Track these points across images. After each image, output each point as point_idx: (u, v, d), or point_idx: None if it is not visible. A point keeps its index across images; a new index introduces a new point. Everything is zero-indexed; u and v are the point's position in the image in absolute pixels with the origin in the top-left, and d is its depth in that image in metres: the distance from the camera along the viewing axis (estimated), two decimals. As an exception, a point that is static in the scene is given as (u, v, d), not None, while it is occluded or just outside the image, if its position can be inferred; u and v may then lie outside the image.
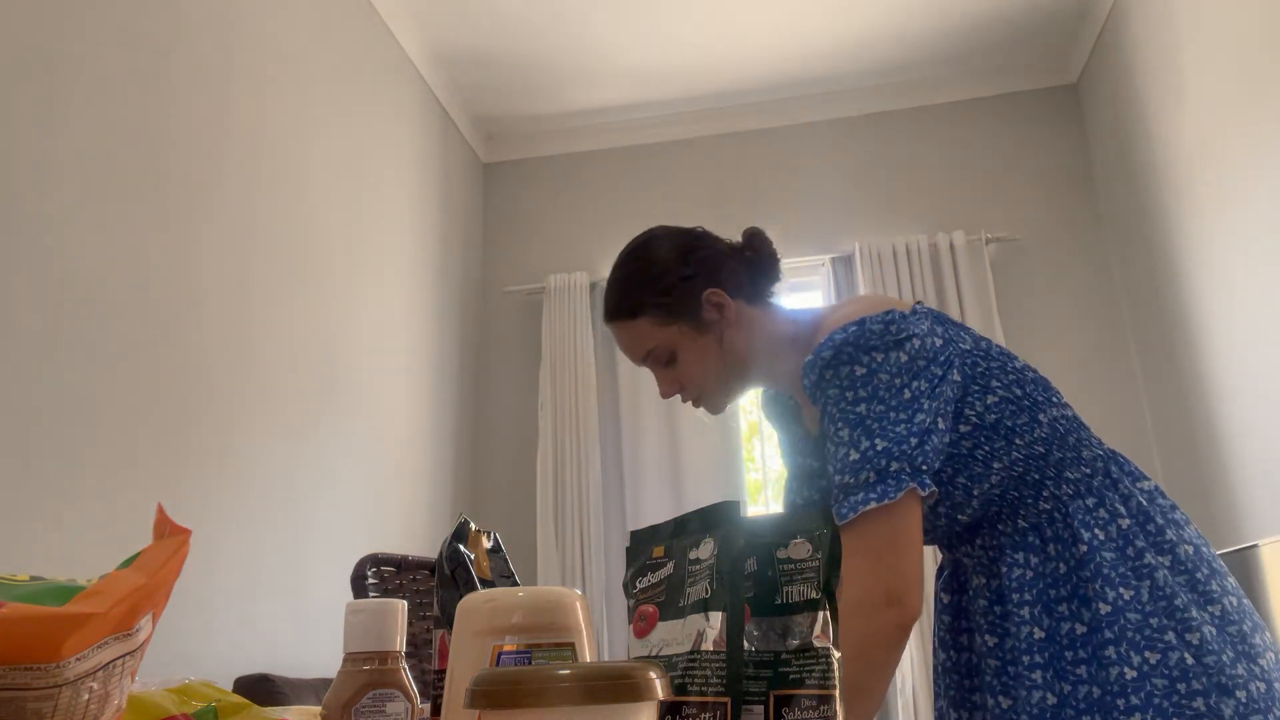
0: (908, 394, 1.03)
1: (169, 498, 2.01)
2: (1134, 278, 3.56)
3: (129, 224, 1.97)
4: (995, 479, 1.09)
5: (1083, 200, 3.82)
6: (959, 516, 1.12)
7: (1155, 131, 3.23)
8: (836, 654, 0.65)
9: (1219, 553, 2.30)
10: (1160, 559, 1.04)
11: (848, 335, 1.06)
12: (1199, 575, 1.03)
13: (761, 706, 0.64)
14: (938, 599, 1.21)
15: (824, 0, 3.46)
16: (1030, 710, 1.04)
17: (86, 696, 0.39)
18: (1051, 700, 1.02)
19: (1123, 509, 1.07)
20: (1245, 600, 1.05)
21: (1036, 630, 1.05)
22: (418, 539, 3.26)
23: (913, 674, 3.24)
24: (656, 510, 3.60)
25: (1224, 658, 0.98)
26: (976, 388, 1.09)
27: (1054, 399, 1.13)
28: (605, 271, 4.05)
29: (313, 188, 2.77)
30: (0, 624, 0.36)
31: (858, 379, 1.04)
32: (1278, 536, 2.10)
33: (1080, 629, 1.04)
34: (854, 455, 1.01)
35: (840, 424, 1.03)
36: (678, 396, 1.24)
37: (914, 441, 1.01)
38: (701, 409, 1.24)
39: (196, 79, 2.26)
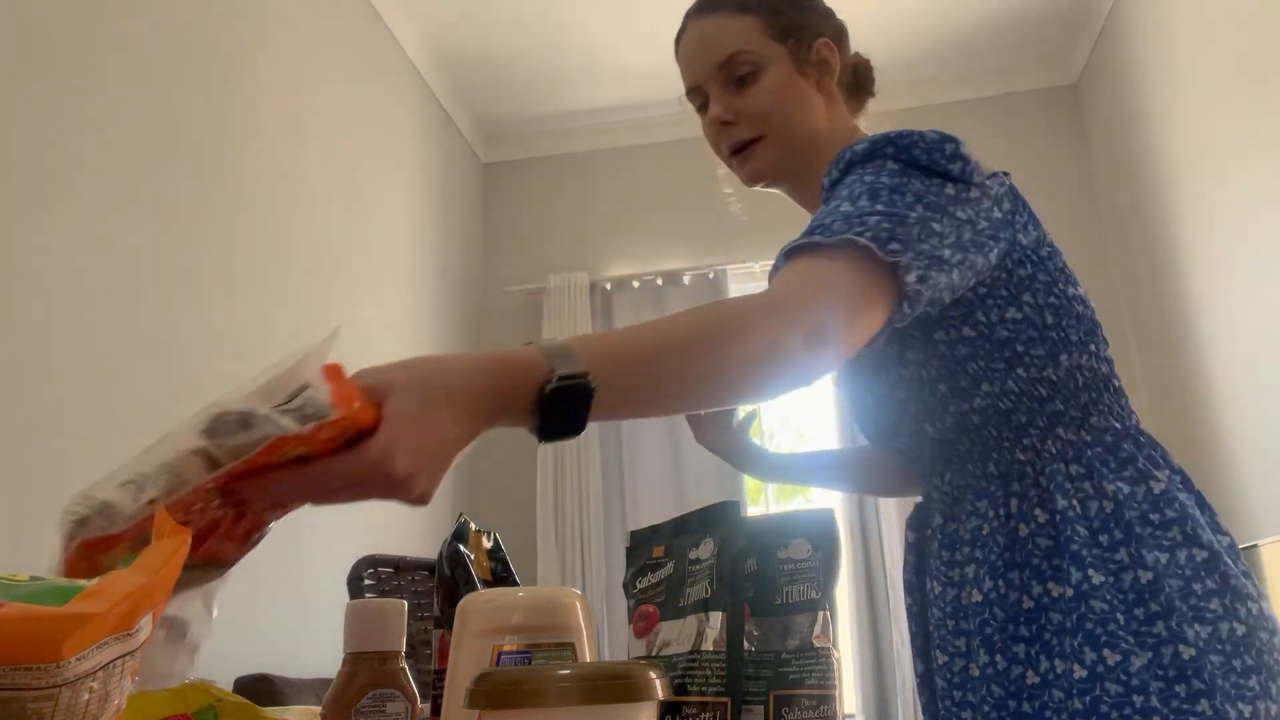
0: (929, 201, 0.84)
1: (169, 498, 2.01)
2: (1134, 278, 3.56)
3: (128, 224, 1.97)
4: (979, 403, 0.92)
5: (1083, 200, 3.82)
6: (926, 426, 0.96)
7: (1155, 131, 3.23)
8: (836, 654, 0.66)
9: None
10: (1158, 554, 0.85)
11: (892, 133, 0.88)
12: (1232, 572, 0.85)
13: (761, 706, 0.64)
14: (905, 536, 1.06)
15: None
16: (949, 678, 0.93)
17: (86, 696, 0.39)
18: (975, 672, 0.88)
19: (1123, 488, 0.88)
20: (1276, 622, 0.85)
21: (975, 592, 0.90)
22: (417, 539, 3.26)
23: (912, 675, 3.23)
24: (656, 510, 3.60)
25: (1203, 681, 0.79)
26: (1003, 293, 0.91)
27: (1091, 347, 0.94)
28: (605, 271, 4.05)
29: (313, 188, 2.77)
30: (0, 624, 0.36)
31: (886, 171, 0.85)
32: (1278, 536, 2.10)
33: (1028, 603, 0.88)
34: (845, 207, 0.81)
35: (844, 193, 0.84)
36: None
37: (931, 240, 0.80)
38: (734, 167, 1.04)
39: (197, 79, 2.26)
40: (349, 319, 2.94)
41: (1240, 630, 0.83)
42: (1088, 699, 0.81)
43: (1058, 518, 0.88)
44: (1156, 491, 0.89)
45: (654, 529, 0.77)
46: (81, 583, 0.42)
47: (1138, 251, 3.49)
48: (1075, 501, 0.88)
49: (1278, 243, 2.51)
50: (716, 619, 0.65)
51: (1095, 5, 3.56)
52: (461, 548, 0.87)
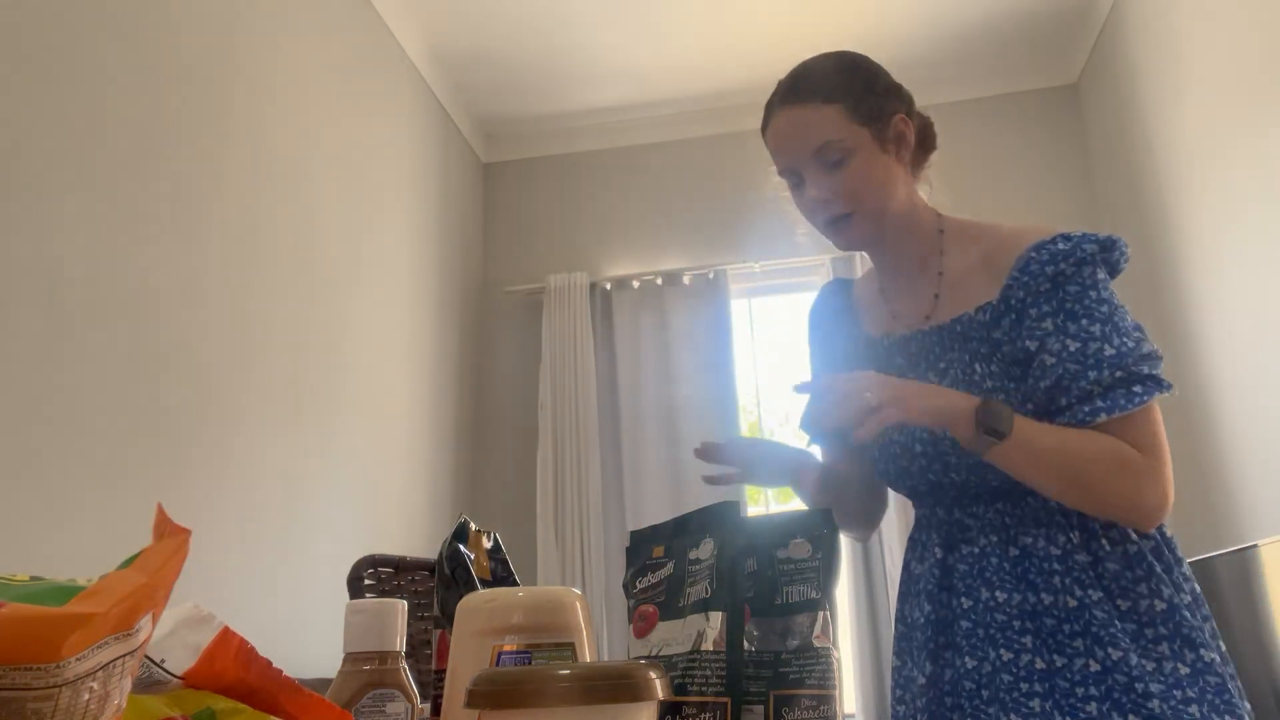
0: (1127, 308, 1.06)
1: (169, 498, 2.01)
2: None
3: (128, 223, 1.97)
4: None
5: (1083, 200, 3.82)
6: (988, 475, 1.09)
7: (1155, 131, 3.23)
8: (836, 654, 0.66)
9: (1218, 553, 2.30)
10: (1167, 590, 1.04)
11: (1101, 240, 1.07)
12: (1194, 619, 1.04)
13: (761, 706, 0.64)
14: (930, 552, 1.17)
15: (824, 0, 3.46)
16: (1018, 670, 1.03)
17: (86, 697, 0.39)
18: (1041, 665, 1.02)
19: (1134, 535, 1.07)
20: (1229, 661, 1.04)
21: (1069, 599, 1.04)
22: (417, 539, 3.26)
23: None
24: (656, 510, 3.59)
25: (1212, 686, 0.99)
26: None
27: None
28: (605, 271, 4.05)
29: (313, 188, 2.77)
30: (0, 624, 0.36)
31: (1100, 281, 1.06)
32: (1278, 536, 2.10)
33: (1127, 605, 1.03)
34: (1109, 350, 1.01)
35: (1084, 319, 1.03)
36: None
37: (1158, 352, 1.03)
38: (830, 235, 1.18)
39: (196, 80, 2.26)
40: (348, 318, 2.94)
41: (1216, 658, 1.04)
42: (1195, 688, 0.97)
43: (1134, 548, 1.04)
44: (1170, 536, 1.09)
45: (654, 529, 0.77)
46: (81, 582, 0.42)
47: (1137, 251, 3.49)
48: (1132, 533, 1.05)
49: (1277, 242, 2.51)
50: (716, 619, 0.65)
51: (1095, 5, 3.56)
52: (461, 548, 0.87)
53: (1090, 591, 1.03)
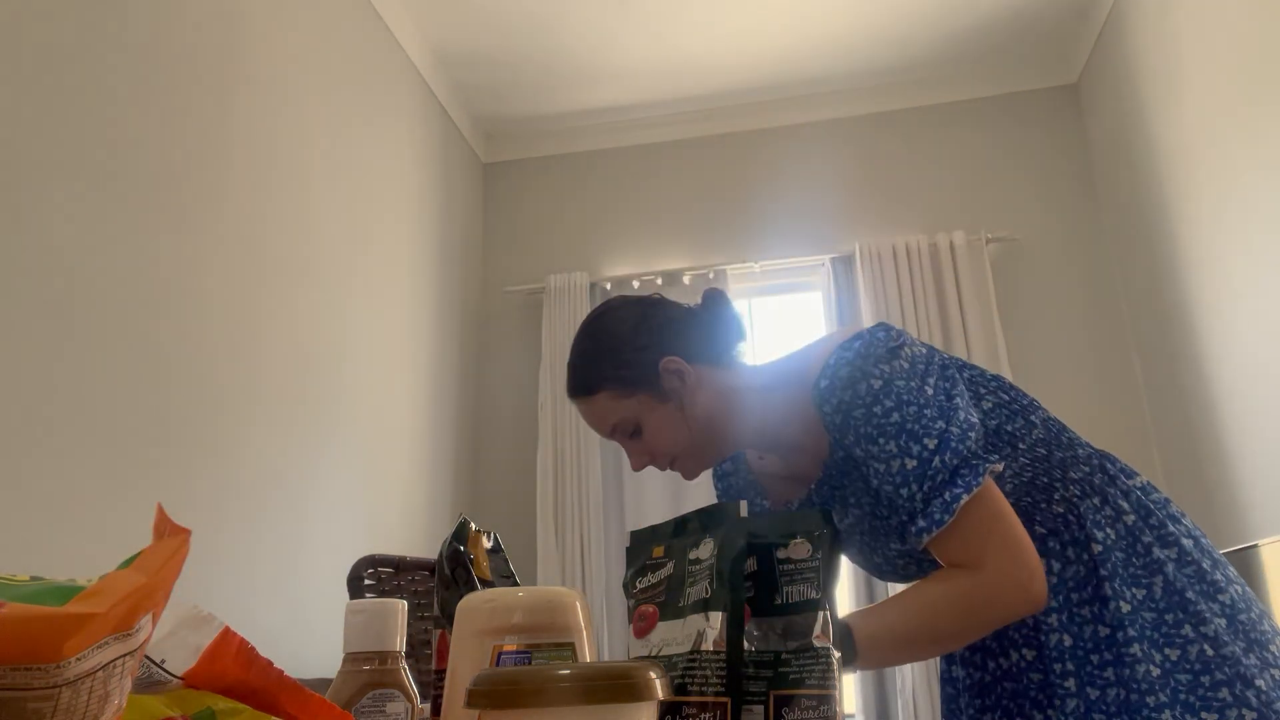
0: (930, 390, 1.02)
1: (169, 498, 2.01)
2: (1134, 278, 3.56)
3: (129, 224, 1.97)
4: (1008, 488, 1.08)
5: (1083, 200, 3.82)
6: None
7: (1155, 131, 3.23)
8: (836, 654, 0.65)
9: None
10: (1166, 553, 1.05)
11: (854, 350, 1.04)
12: (1204, 565, 1.05)
13: (761, 706, 0.64)
14: None
15: (824, 0, 3.46)
16: (1063, 719, 1.06)
17: (86, 697, 0.39)
18: (1081, 708, 1.03)
19: (1125, 504, 1.08)
20: (1248, 588, 1.06)
21: (1065, 637, 1.05)
22: (417, 539, 3.26)
23: (912, 675, 3.24)
24: (656, 510, 3.59)
25: (1237, 649, 1.00)
26: (970, 394, 1.08)
27: (1035, 401, 1.13)
28: (605, 271, 4.05)
29: (313, 188, 2.77)
30: (0, 624, 0.36)
31: (877, 391, 1.02)
32: (1278, 536, 2.10)
33: (1104, 630, 1.04)
34: (911, 463, 0.98)
35: (880, 439, 1.01)
36: (651, 467, 1.20)
37: (957, 431, 0.99)
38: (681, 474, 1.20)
39: (197, 80, 2.26)
40: (348, 318, 2.94)
41: (1238, 590, 1.05)
42: (1168, 691, 0.99)
43: (1099, 549, 1.05)
44: (1140, 488, 1.10)
45: (654, 529, 0.77)
46: (81, 583, 0.42)
47: (1138, 251, 3.50)
48: (1108, 530, 1.06)
49: (1278, 241, 2.51)
50: (716, 619, 0.65)
51: (1095, 5, 3.56)
52: (461, 548, 0.87)
53: (1028, 650, 1.07)
